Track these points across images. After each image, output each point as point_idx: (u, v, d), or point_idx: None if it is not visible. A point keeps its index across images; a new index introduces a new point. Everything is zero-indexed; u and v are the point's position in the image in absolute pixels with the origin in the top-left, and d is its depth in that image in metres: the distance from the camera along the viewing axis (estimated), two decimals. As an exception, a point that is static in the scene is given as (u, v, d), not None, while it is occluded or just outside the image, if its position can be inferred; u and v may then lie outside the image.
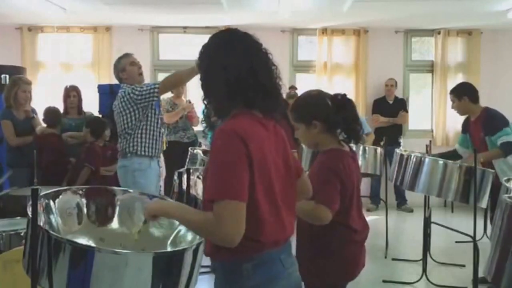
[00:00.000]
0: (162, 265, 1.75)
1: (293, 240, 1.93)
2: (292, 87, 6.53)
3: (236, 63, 1.65)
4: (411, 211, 6.93)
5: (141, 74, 4.11)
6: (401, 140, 7.06)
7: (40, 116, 5.20)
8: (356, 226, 2.31)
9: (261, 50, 1.72)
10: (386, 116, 7.05)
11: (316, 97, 2.33)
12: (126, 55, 4.15)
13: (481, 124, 4.28)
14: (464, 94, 4.33)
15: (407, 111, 7.22)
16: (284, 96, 1.87)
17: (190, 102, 6.11)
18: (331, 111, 2.25)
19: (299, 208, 1.97)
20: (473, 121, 4.38)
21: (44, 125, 5.10)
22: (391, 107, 7.12)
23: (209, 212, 1.54)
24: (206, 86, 1.72)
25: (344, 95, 2.32)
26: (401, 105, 7.20)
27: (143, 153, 3.93)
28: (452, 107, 4.47)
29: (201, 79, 1.74)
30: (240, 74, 1.64)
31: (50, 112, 5.13)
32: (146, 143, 3.95)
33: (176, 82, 4.05)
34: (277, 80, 1.74)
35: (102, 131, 5.01)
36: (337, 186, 2.20)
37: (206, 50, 1.73)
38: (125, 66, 4.05)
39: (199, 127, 6.40)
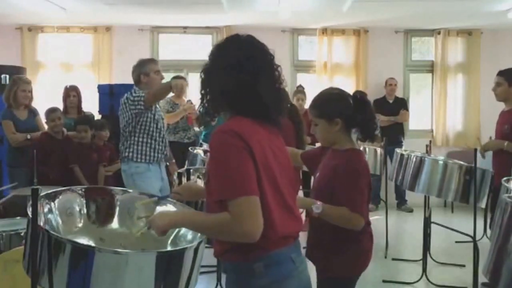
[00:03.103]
0: (162, 265, 1.74)
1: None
2: (300, 86, 6.58)
3: (230, 73, 1.65)
4: (411, 211, 6.93)
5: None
6: (403, 140, 7.04)
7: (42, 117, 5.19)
8: (368, 219, 2.35)
9: (264, 55, 1.71)
10: (386, 115, 7.04)
11: (339, 95, 2.36)
12: (153, 61, 4.16)
13: None
14: None
15: (407, 110, 7.21)
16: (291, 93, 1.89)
17: (191, 102, 6.08)
18: (352, 110, 2.29)
19: (329, 212, 2.11)
20: (507, 111, 4.22)
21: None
22: (392, 106, 7.11)
23: (225, 213, 1.54)
24: (204, 87, 1.73)
25: (363, 94, 2.37)
26: (401, 104, 7.20)
27: (139, 160, 3.95)
28: (494, 90, 4.22)
29: (200, 76, 1.75)
30: (234, 85, 1.64)
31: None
32: (141, 150, 3.96)
33: (158, 96, 4.00)
34: (278, 86, 1.73)
35: (88, 124, 5.03)
36: (366, 191, 2.26)
37: (210, 54, 1.74)
38: (150, 73, 4.02)
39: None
